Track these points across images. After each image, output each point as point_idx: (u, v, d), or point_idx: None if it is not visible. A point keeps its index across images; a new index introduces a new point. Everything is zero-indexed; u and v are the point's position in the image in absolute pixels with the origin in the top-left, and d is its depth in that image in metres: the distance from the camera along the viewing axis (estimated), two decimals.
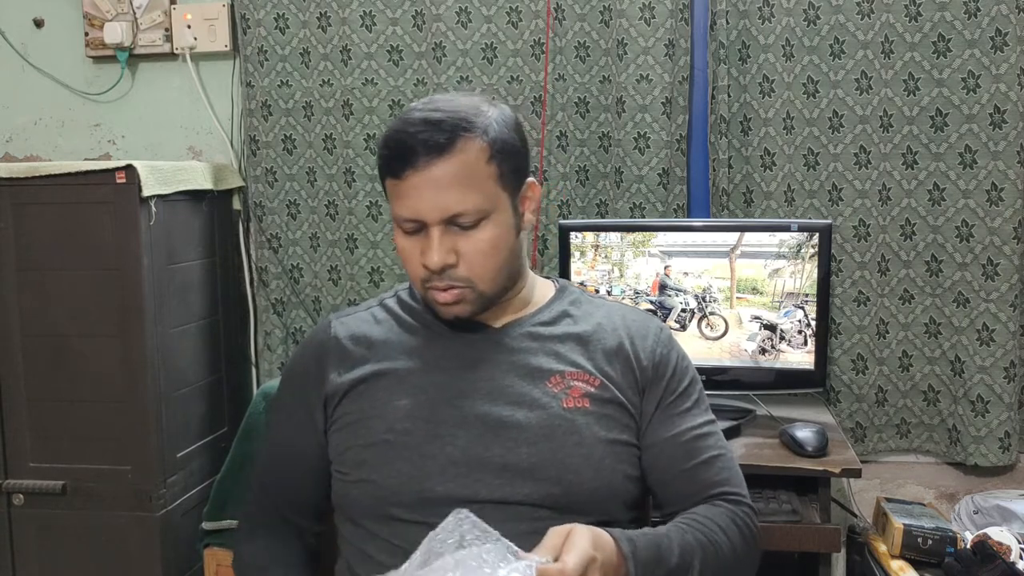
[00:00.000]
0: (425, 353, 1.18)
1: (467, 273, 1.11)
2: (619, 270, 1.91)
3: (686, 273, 1.89)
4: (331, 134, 2.20)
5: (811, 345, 1.85)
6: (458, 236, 1.10)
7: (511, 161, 1.12)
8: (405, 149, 1.08)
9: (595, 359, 1.18)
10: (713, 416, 1.23)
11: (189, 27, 2.22)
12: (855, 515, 2.03)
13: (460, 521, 0.93)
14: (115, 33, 2.23)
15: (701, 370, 1.87)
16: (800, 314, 1.85)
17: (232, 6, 2.22)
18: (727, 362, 1.89)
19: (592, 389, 1.15)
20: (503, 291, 1.17)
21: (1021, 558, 1.69)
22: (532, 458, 1.11)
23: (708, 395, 1.92)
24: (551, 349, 1.18)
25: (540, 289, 1.25)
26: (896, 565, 1.73)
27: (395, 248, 2.18)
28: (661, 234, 1.90)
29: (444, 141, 1.07)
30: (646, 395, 1.19)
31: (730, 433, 1.78)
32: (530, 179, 1.17)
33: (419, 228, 1.10)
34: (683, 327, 1.90)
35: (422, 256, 1.10)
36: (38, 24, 2.33)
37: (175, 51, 2.25)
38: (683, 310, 1.90)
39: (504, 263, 1.14)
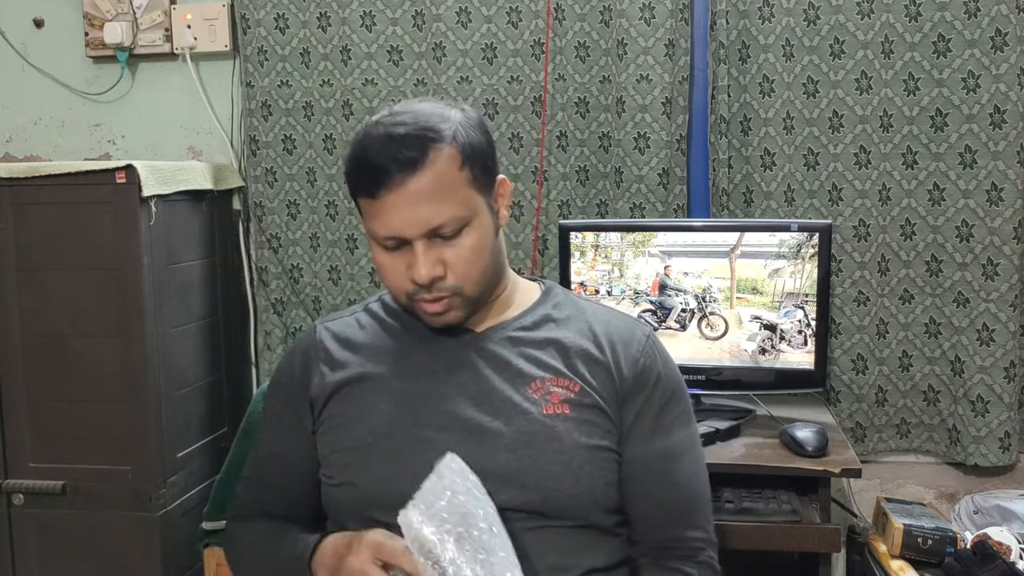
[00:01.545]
0: (409, 357, 1.18)
1: (454, 282, 1.10)
2: (619, 270, 1.91)
3: (686, 273, 1.89)
4: (331, 134, 2.20)
5: (811, 345, 1.85)
6: (442, 247, 1.08)
7: (480, 162, 1.10)
8: (376, 168, 1.05)
9: (575, 365, 1.16)
10: (695, 430, 1.21)
11: (189, 27, 2.22)
12: (855, 515, 2.03)
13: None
14: (115, 33, 2.22)
15: (701, 370, 1.89)
16: (800, 314, 1.85)
17: (232, 6, 2.22)
18: (727, 362, 1.89)
19: (572, 395, 1.14)
20: (489, 293, 1.16)
21: (1021, 558, 1.69)
22: (511, 465, 1.10)
23: (708, 395, 1.93)
24: (532, 355, 1.17)
25: (524, 291, 1.24)
26: (896, 565, 1.73)
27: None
28: (661, 234, 1.90)
29: (416, 156, 1.05)
30: (625, 405, 1.16)
31: (730, 433, 1.78)
32: (500, 176, 1.16)
33: (400, 244, 1.09)
34: (683, 327, 1.90)
35: (408, 271, 1.09)
36: (38, 24, 2.33)
37: (175, 51, 2.25)
38: (683, 310, 1.90)
39: (488, 265, 1.13)
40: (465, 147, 1.08)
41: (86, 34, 2.28)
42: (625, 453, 1.16)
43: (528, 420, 1.12)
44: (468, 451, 1.10)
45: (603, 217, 2.14)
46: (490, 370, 1.15)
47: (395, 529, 1.08)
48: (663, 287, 1.90)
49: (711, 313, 1.89)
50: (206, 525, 1.92)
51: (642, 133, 2.07)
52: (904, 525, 1.75)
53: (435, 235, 1.08)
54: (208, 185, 2.09)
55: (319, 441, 1.19)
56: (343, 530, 1.15)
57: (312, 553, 1.11)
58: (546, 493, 1.09)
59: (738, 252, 1.87)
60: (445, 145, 1.07)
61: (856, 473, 1.65)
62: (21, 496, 1.86)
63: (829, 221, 1.89)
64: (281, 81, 2.20)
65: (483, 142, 1.11)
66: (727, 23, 2.04)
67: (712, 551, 1.18)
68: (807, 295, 1.85)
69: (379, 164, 1.05)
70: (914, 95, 2.01)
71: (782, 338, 1.87)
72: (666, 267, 1.90)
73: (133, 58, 2.29)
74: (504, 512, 1.07)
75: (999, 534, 1.74)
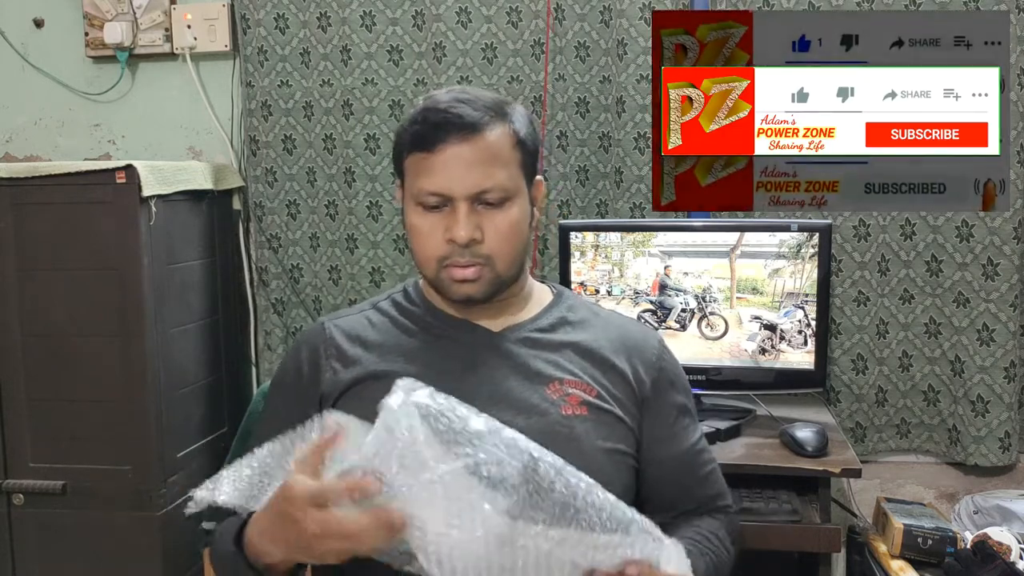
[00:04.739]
0: (424, 356, 1.18)
1: (488, 251, 1.12)
2: (619, 270, 1.91)
3: (686, 273, 1.89)
4: (331, 134, 2.20)
5: (811, 345, 1.85)
6: (482, 214, 1.12)
7: (529, 154, 1.16)
8: (441, 123, 1.10)
9: (592, 370, 1.18)
10: (698, 422, 1.29)
11: (189, 27, 2.22)
12: (855, 515, 2.03)
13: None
14: (115, 33, 2.22)
15: (701, 370, 1.89)
16: (800, 314, 1.85)
17: (232, 6, 2.22)
18: (727, 362, 1.89)
19: (590, 398, 1.15)
20: (513, 279, 1.18)
21: (1021, 558, 1.69)
22: None
23: (708, 395, 1.94)
24: (549, 357, 1.18)
25: (537, 293, 1.25)
26: (896, 565, 1.73)
27: (400, 240, 2.18)
28: (661, 234, 1.90)
29: (480, 119, 1.10)
30: (645, 410, 1.19)
31: (730, 433, 1.78)
32: (538, 177, 1.21)
33: (442, 203, 1.11)
34: (683, 327, 1.90)
35: (446, 232, 1.11)
36: (38, 24, 2.33)
37: (175, 51, 2.25)
38: (683, 310, 1.90)
39: (521, 249, 1.16)
40: (519, 132, 1.15)
41: (86, 34, 2.28)
42: (649, 455, 1.20)
43: (547, 420, 1.13)
44: None
45: (603, 217, 2.14)
46: (507, 370, 1.16)
47: None
48: (663, 287, 1.90)
49: (711, 313, 1.89)
50: (206, 525, 1.92)
51: (642, 133, 2.07)
52: (904, 525, 1.75)
53: (479, 200, 1.11)
54: (208, 185, 2.09)
55: None
56: None
57: (243, 526, 1.03)
58: None
59: (738, 252, 1.87)
60: (505, 123, 1.13)
61: (856, 473, 1.65)
62: (21, 496, 1.86)
63: (829, 221, 1.89)
64: (281, 81, 2.20)
65: (534, 137, 1.18)
66: None
67: (730, 501, 1.28)
68: (807, 295, 1.85)
69: (446, 120, 1.10)
70: None
71: (782, 338, 1.87)
72: (666, 267, 1.90)
73: (133, 58, 2.29)
74: None
75: (999, 534, 1.74)
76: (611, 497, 0.91)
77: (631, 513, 0.91)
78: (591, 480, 0.91)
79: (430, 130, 1.10)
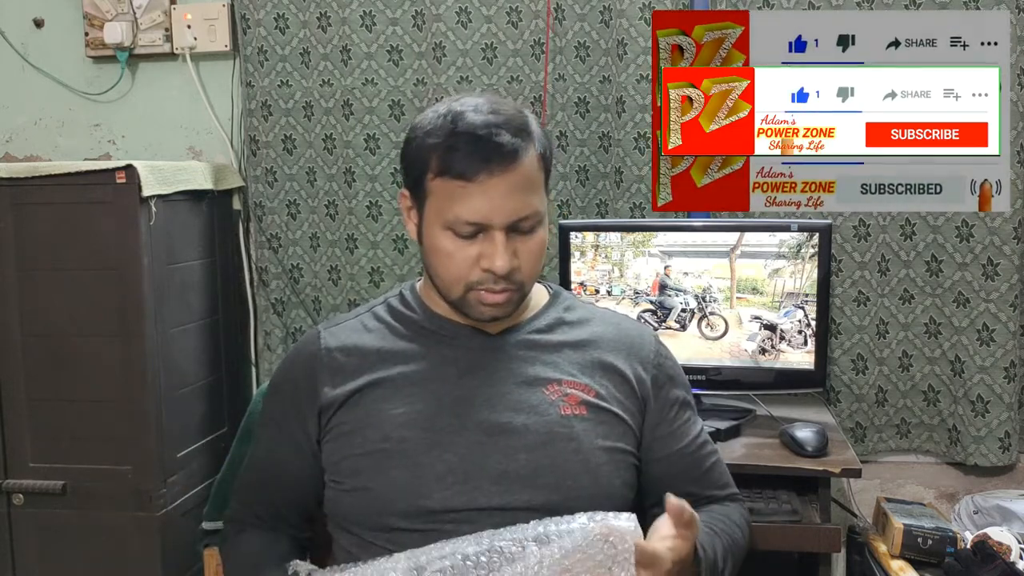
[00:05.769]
0: (421, 361, 1.18)
1: (522, 276, 1.12)
2: (619, 270, 1.91)
3: (686, 273, 1.89)
4: (331, 134, 2.20)
5: (811, 345, 1.85)
6: (516, 240, 1.11)
7: (548, 170, 1.16)
8: (479, 151, 1.07)
9: (590, 370, 1.18)
10: (697, 413, 1.30)
11: (189, 27, 2.22)
12: (855, 515, 2.03)
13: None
14: (115, 33, 2.22)
15: (701, 370, 1.89)
16: (800, 314, 1.85)
17: (232, 6, 2.22)
18: (727, 362, 1.89)
19: (588, 398, 1.15)
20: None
21: (1021, 558, 1.69)
22: (531, 464, 1.10)
23: (708, 395, 1.94)
24: (547, 358, 1.18)
25: (534, 294, 1.25)
26: (896, 565, 1.73)
27: (400, 240, 2.18)
28: (661, 234, 1.90)
29: (518, 146, 1.08)
30: (648, 408, 1.20)
31: (730, 433, 1.78)
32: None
33: (476, 232, 1.10)
34: (683, 327, 1.90)
35: (482, 260, 1.10)
36: (38, 24, 2.33)
37: (175, 51, 2.25)
38: (683, 310, 1.90)
39: (543, 264, 1.17)
40: (542, 150, 1.13)
41: (86, 34, 2.28)
42: (657, 451, 1.21)
43: (546, 421, 1.13)
44: (487, 453, 1.10)
45: (603, 217, 2.14)
46: (506, 373, 1.16)
47: (409, 534, 1.08)
48: (663, 287, 1.90)
49: (711, 313, 1.89)
50: (206, 525, 1.92)
51: (642, 133, 2.07)
52: (904, 525, 1.75)
53: (514, 228, 1.10)
54: (208, 185, 2.09)
55: (325, 448, 1.18)
56: (348, 536, 1.15)
57: None
58: (566, 492, 1.10)
59: (738, 252, 1.87)
60: (533, 145, 1.11)
61: (856, 473, 1.65)
62: (21, 496, 1.86)
63: (829, 221, 1.89)
64: (281, 81, 2.20)
65: (550, 149, 1.17)
66: None
67: (736, 491, 1.30)
68: (807, 295, 1.85)
69: (488, 148, 1.07)
70: None
71: (782, 338, 1.87)
72: (666, 267, 1.90)
73: (133, 58, 2.29)
74: (523, 513, 1.08)
75: (999, 534, 1.74)
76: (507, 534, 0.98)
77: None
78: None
79: (467, 158, 1.07)
